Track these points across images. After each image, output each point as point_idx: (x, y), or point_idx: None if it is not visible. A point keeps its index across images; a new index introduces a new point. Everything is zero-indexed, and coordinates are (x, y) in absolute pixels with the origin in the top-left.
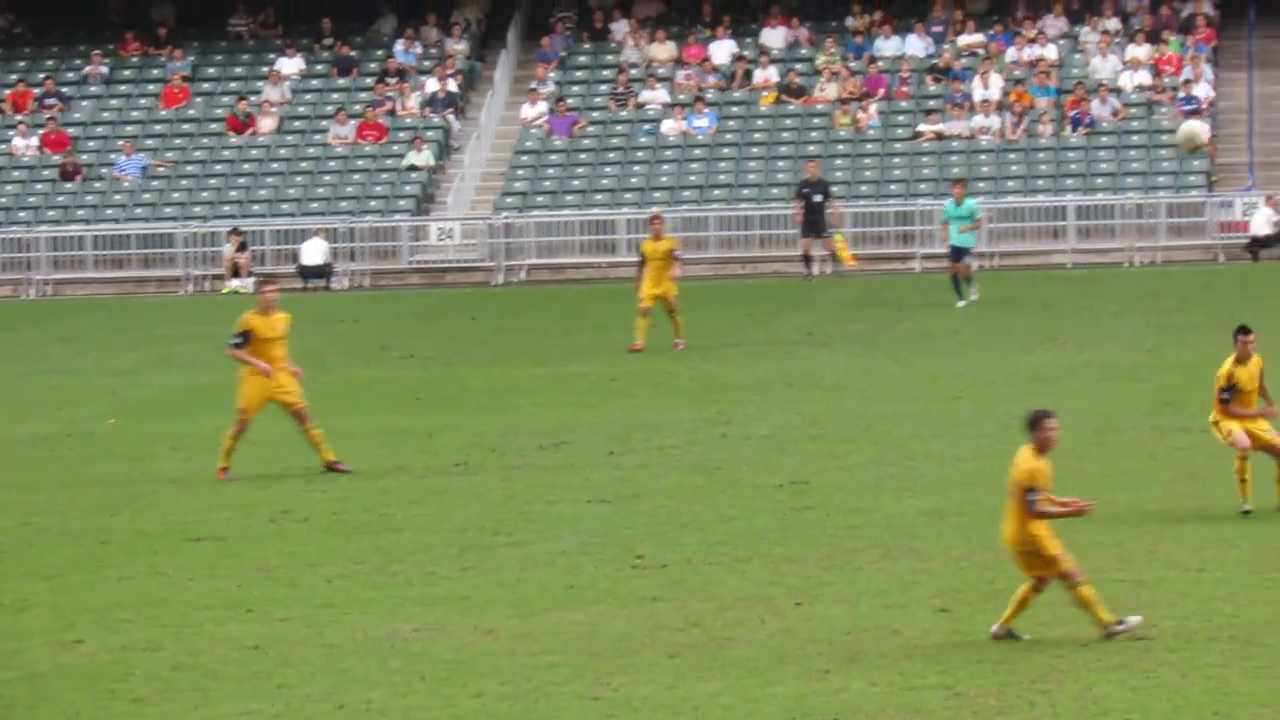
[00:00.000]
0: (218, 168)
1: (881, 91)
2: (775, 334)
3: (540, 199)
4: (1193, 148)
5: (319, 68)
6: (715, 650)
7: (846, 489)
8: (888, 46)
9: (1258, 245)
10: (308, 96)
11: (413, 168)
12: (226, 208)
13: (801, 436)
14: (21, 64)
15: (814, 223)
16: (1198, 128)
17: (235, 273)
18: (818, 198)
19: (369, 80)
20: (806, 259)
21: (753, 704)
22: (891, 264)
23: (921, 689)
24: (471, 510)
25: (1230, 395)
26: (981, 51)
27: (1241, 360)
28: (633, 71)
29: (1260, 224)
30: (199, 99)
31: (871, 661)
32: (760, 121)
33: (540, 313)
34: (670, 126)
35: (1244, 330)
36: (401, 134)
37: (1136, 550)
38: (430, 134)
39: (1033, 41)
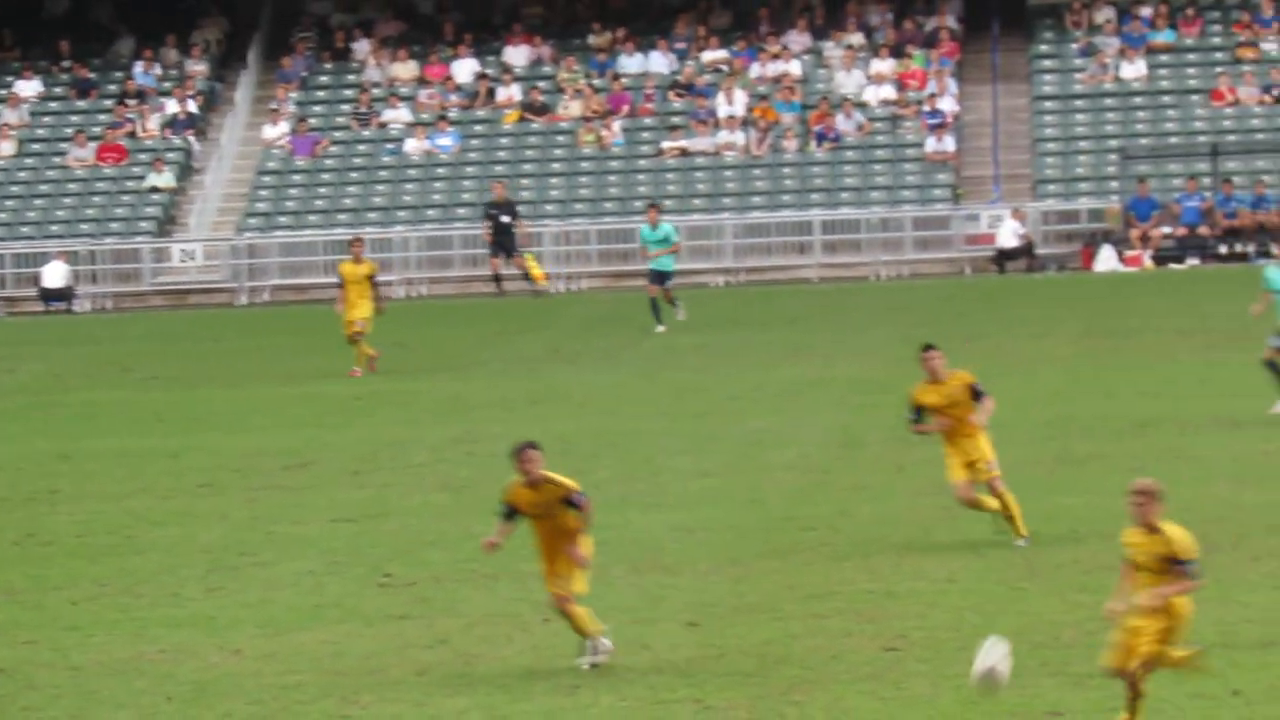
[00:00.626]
0: None
1: (625, 109)
2: (520, 351)
3: (283, 219)
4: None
5: (57, 90)
6: (463, 667)
7: (594, 505)
8: (631, 64)
9: (1004, 258)
10: (46, 119)
11: (154, 189)
12: None
13: (548, 453)
14: None
15: (502, 243)
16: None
17: None
18: (505, 218)
19: (108, 102)
20: (496, 278)
21: (496, 716)
22: (637, 280)
23: (671, 702)
24: (217, 531)
25: (917, 417)
26: (725, 68)
27: (932, 379)
28: (375, 91)
29: (1006, 236)
30: None
31: (621, 676)
32: (504, 140)
33: (284, 333)
34: (414, 146)
35: (926, 348)
36: (142, 155)
37: (884, 563)
38: (171, 155)
39: (776, 57)
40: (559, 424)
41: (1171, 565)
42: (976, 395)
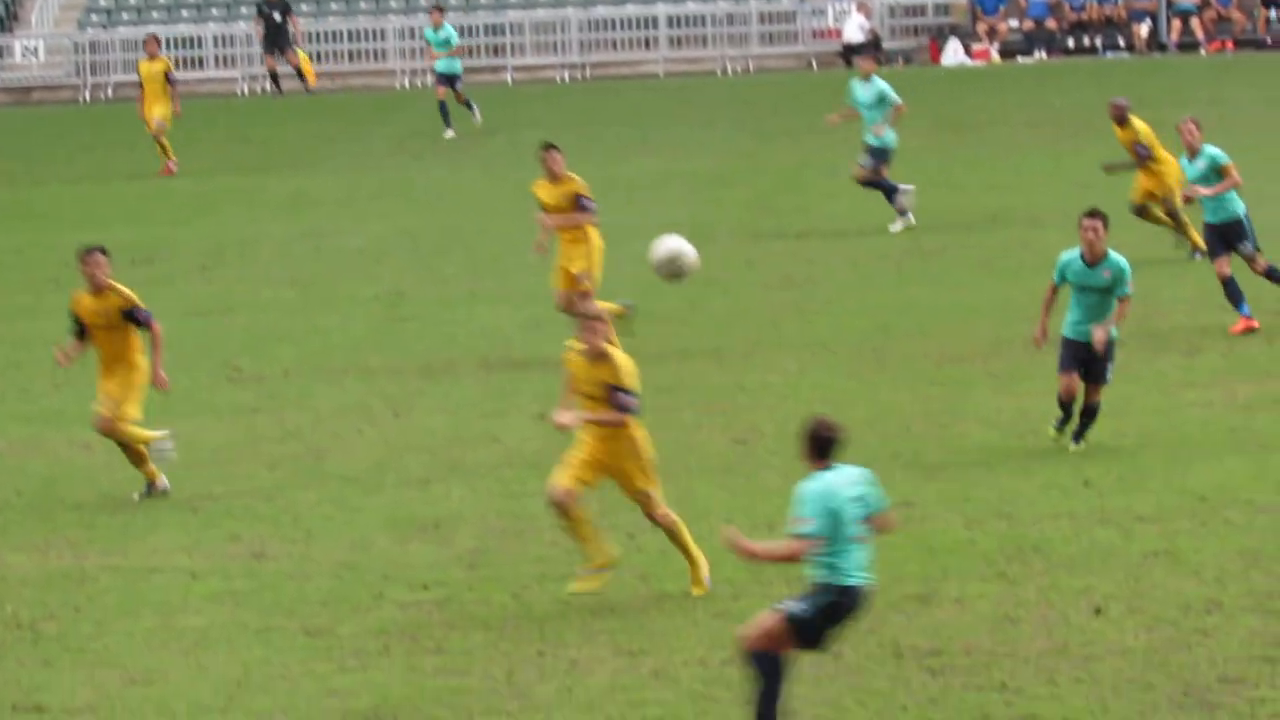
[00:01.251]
0: None
1: None
2: (366, 146)
3: (125, 15)
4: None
5: None
6: (314, 461)
7: (442, 300)
8: None
9: (849, 52)
10: None
11: None
12: None
13: (395, 249)
14: None
15: (275, 39)
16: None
17: None
18: (278, 15)
19: None
20: (273, 76)
21: (352, 513)
22: (483, 75)
23: (522, 495)
24: (63, 326)
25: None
26: None
27: (550, 178)
28: None
29: (852, 31)
30: None
31: (472, 470)
32: None
33: (128, 130)
34: None
35: (546, 147)
36: None
37: (734, 356)
38: None
39: None
40: (405, 220)
41: (611, 393)
42: (583, 208)
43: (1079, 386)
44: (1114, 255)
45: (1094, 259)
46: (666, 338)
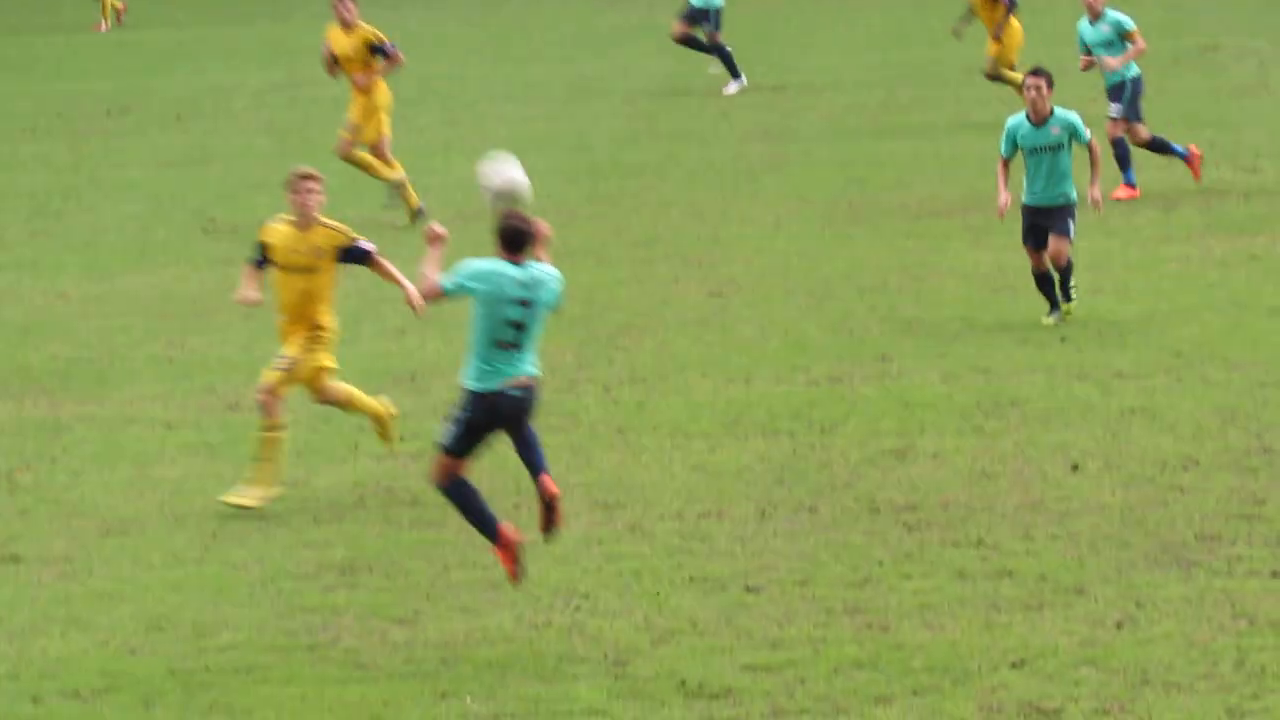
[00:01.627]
0: None
1: None
2: None
3: None
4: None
5: None
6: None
7: (418, 150)
8: None
9: None
10: None
11: None
12: None
13: None
14: None
15: None
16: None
17: None
18: None
19: None
20: None
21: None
22: None
23: None
24: (39, 175)
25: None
26: None
27: (343, 25)
28: None
29: None
30: None
31: (447, 321)
32: None
33: None
34: None
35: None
36: None
37: (711, 208)
38: None
39: None
40: None
41: (346, 254)
42: (385, 54)
43: (1047, 256)
44: (1060, 111)
45: (1040, 118)
46: (642, 191)
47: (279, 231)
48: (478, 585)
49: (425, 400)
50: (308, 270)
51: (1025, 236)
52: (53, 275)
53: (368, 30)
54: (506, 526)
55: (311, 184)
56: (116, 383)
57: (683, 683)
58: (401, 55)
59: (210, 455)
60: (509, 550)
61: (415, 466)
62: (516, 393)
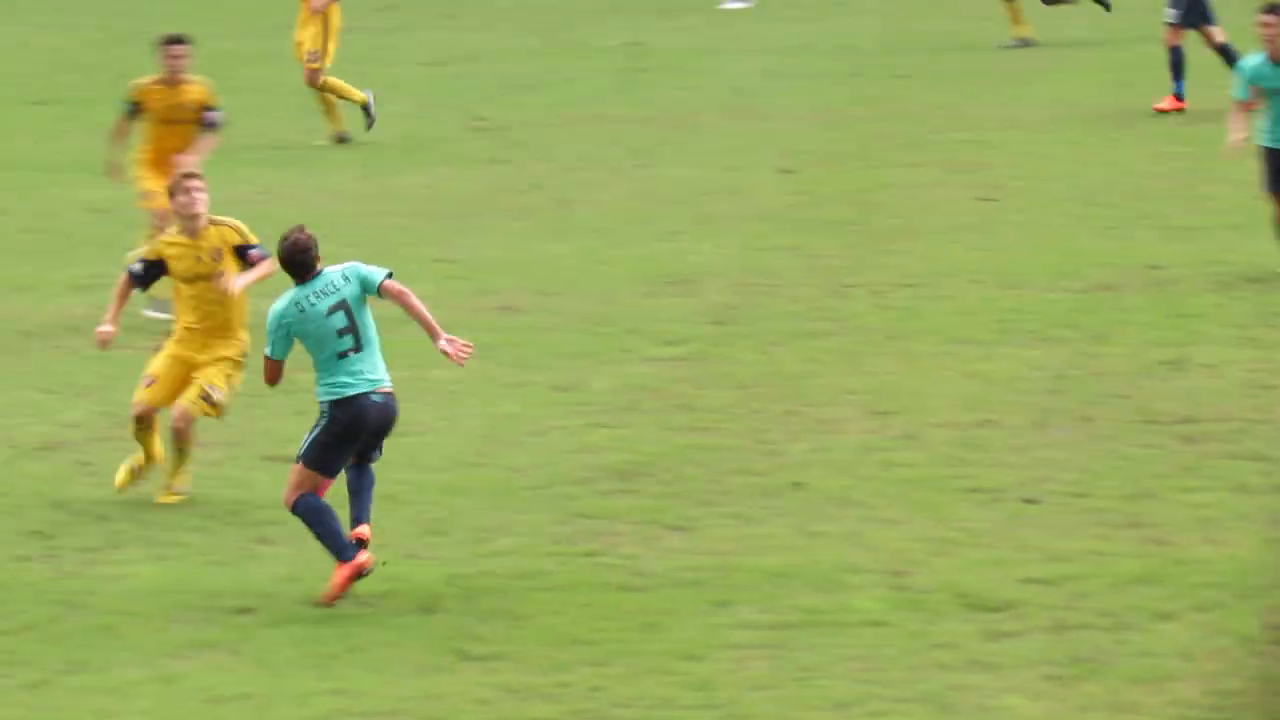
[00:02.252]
0: None
1: None
2: None
3: None
4: None
5: None
6: (561, 212)
7: (684, 50)
8: None
9: None
10: None
11: None
12: None
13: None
14: None
15: None
16: None
17: None
18: None
19: None
20: None
21: (601, 265)
22: None
23: (768, 250)
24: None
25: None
26: None
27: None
28: None
29: None
30: None
31: (719, 223)
32: None
33: None
34: None
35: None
36: None
37: (977, 112)
38: None
39: None
40: None
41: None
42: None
43: None
44: None
45: (1278, 57)
46: (908, 95)
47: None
48: (754, 492)
49: (697, 304)
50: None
51: (1266, 182)
52: (326, 174)
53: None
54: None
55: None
56: None
57: (962, 595)
58: None
59: (485, 357)
60: (354, 573)
61: (688, 370)
62: (379, 399)
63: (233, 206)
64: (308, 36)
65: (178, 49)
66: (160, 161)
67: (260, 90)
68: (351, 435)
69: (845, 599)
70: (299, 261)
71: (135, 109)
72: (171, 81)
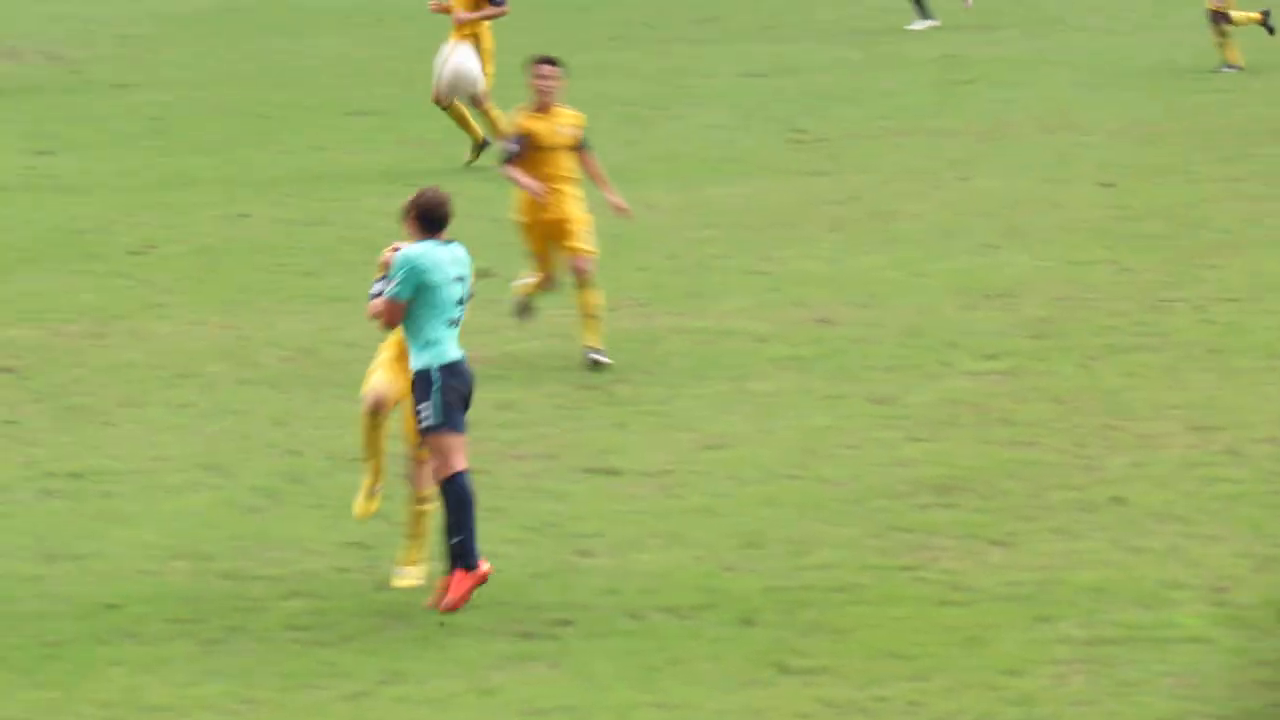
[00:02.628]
0: None
1: None
2: None
3: None
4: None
5: None
6: (879, 224)
7: (1001, 62)
8: None
9: None
10: None
11: None
12: None
13: (955, 8)
14: None
15: None
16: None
17: None
18: None
19: None
20: None
21: (919, 278)
22: None
23: (1087, 264)
24: (627, 85)
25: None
26: None
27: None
28: None
29: None
30: None
31: (1036, 235)
32: None
33: None
34: None
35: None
36: None
37: None
38: None
39: None
40: None
41: None
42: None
43: None
44: None
45: None
46: (1225, 106)
47: None
48: (1074, 506)
49: (1015, 317)
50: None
51: None
52: (641, 185)
53: None
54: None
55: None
56: (707, 295)
57: None
58: (508, 6)
59: (801, 369)
60: (478, 582)
61: (1007, 384)
62: (469, 366)
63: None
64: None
65: (548, 69)
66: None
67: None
68: (461, 396)
69: (1166, 615)
70: (439, 216)
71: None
72: (543, 107)
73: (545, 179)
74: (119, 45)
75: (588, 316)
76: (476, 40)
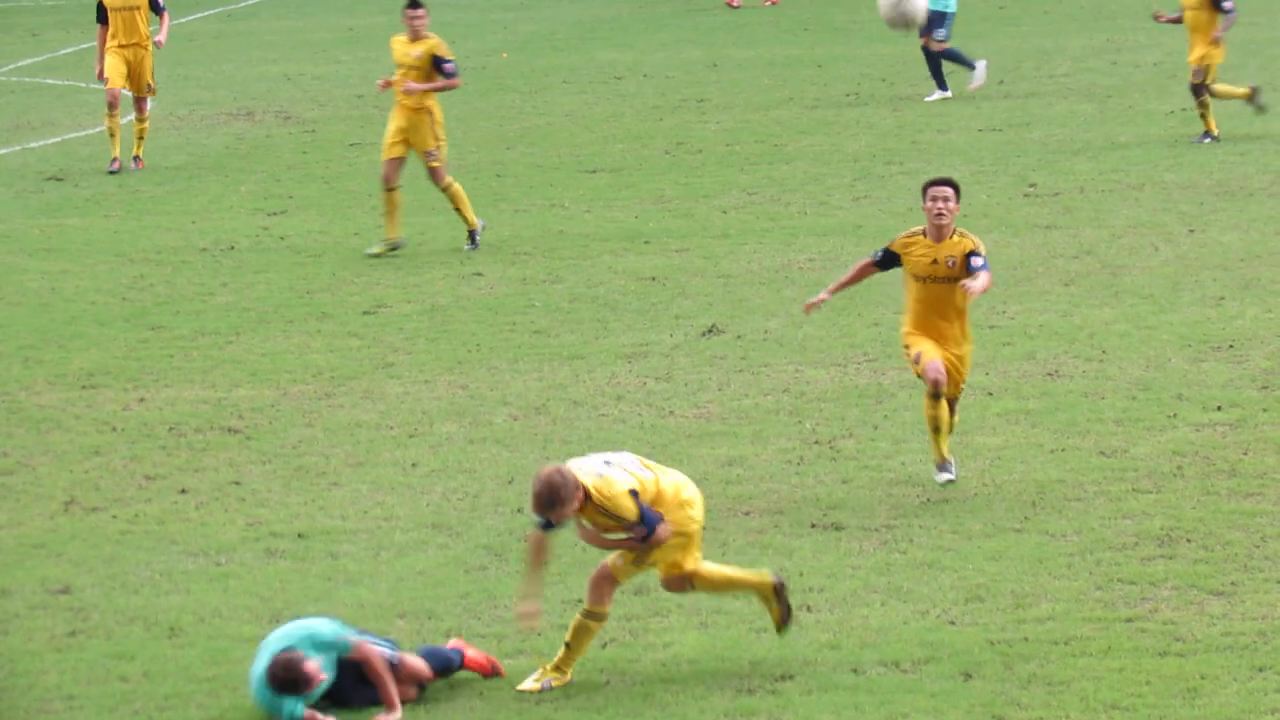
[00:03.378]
0: None
1: None
2: None
3: None
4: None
5: None
6: (1109, 278)
7: (1237, 116)
8: None
9: None
10: None
11: None
12: None
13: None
14: None
15: None
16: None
17: None
18: None
19: None
20: None
21: (1148, 330)
22: None
23: None
24: (863, 140)
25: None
26: None
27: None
28: None
29: None
30: None
31: (1266, 288)
32: None
33: None
34: None
35: (410, 3)
36: None
37: None
38: None
39: None
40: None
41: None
42: (443, 71)
43: None
44: None
45: None
46: None
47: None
48: None
49: (1242, 370)
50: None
51: None
52: (874, 240)
53: (434, 42)
54: None
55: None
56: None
57: None
58: (460, 79)
59: (1030, 423)
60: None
61: (1233, 436)
62: None
63: (780, 273)
64: (420, 137)
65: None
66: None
67: (813, 158)
68: None
69: None
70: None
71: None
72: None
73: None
74: (353, 105)
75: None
76: (430, 114)
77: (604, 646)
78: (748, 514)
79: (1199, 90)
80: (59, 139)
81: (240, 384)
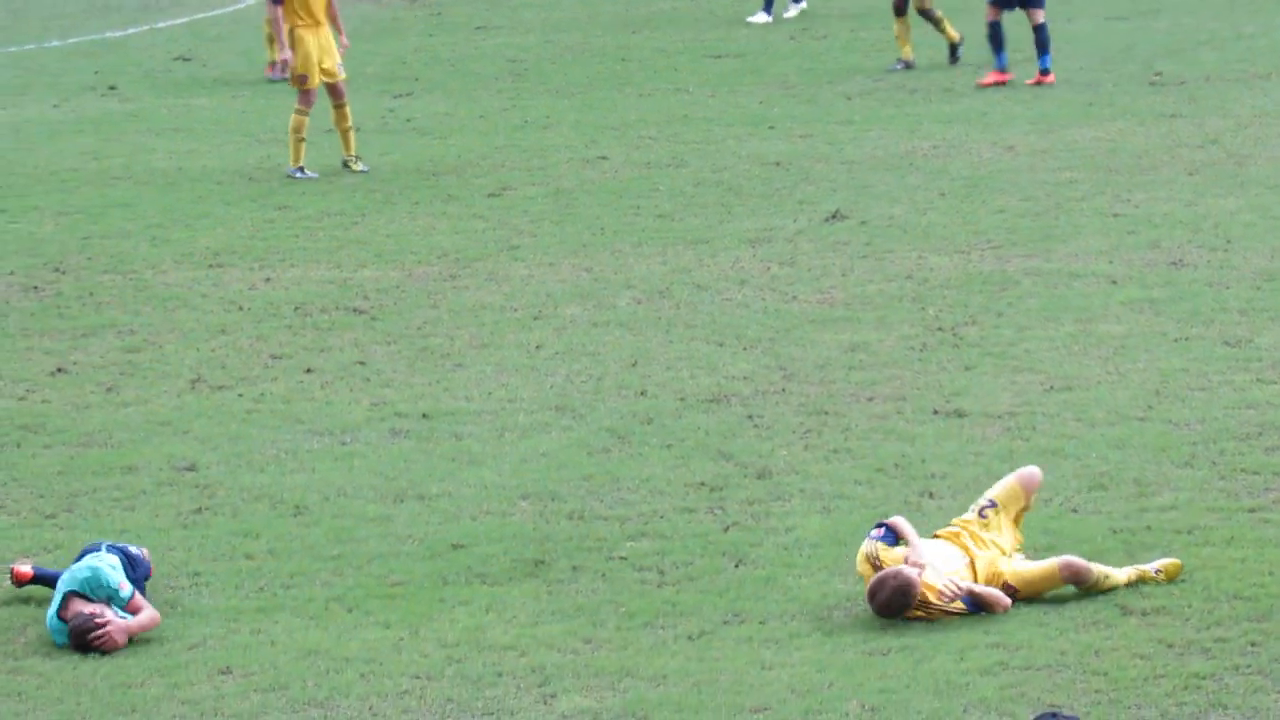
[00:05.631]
0: None
1: None
2: None
3: None
4: None
5: None
6: (1235, 167)
7: None
8: None
9: None
10: None
11: None
12: None
13: None
14: None
15: None
16: None
17: None
18: None
19: None
20: None
21: (1274, 220)
22: None
23: None
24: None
25: None
26: None
27: None
28: None
29: None
30: None
31: None
32: None
33: None
34: None
35: None
36: None
37: None
38: None
39: None
40: None
41: None
42: None
43: None
44: None
45: None
46: None
47: None
48: None
49: None
50: None
51: None
52: (1001, 128)
53: None
54: None
55: None
56: (1062, 236)
57: None
58: None
59: (1154, 311)
60: None
61: None
62: None
63: (904, 159)
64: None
65: None
66: None
67: (940, 46)
68: None
69: None
70: None
71: None
72: None
73: None
74: None
75: None
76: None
77: (726, 530)
78: (870, 400)
79: None
80: (187, 19)
81: (366, 264)
